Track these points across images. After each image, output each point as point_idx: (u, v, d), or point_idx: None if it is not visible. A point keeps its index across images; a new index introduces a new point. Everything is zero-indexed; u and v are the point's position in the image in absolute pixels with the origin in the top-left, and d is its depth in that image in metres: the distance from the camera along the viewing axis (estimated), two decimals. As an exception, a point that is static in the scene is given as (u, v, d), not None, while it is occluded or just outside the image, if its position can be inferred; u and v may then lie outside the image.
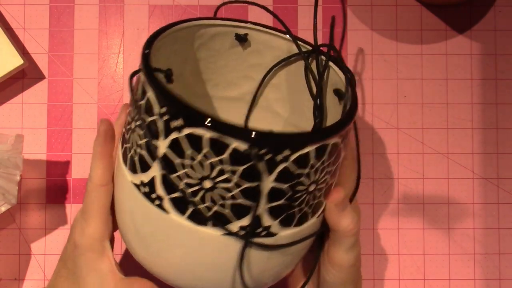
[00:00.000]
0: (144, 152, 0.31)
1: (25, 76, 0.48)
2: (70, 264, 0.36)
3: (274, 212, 0.30)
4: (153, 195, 0.30)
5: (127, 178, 0.32)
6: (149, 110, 0.30)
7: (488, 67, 0.48)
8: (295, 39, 0.38)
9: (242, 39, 0.39)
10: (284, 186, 0.29)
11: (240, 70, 0.41)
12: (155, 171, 0.30)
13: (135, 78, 0.34)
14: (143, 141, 0.30)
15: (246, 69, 0.41)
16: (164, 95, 0.29)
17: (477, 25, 0.48)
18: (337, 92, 0.37)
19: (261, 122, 0.43)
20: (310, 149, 0.29)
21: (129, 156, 0.32)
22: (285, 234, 0.31)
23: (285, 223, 0.30)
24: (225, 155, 0.28)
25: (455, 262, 0.47)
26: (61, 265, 0.37)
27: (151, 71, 0.31)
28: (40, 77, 0.48)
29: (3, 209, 0.41)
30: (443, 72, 0.48)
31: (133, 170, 0.32)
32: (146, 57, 0.32)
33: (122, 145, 0.34)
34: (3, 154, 0.41)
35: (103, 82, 0.48)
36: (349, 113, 0.31)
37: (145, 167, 0.31)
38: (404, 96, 0.48)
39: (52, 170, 0.47)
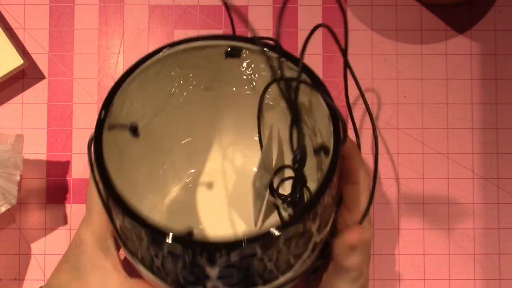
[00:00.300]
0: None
1: (25, 76, 0.48)
2: (73, 259, 0.36)
3: (230, 285, 0.29)
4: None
5: None
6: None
7: (488, 67, 0.48)
8: (267, 59, 0.32)
9: (234, 55, 0.35)
10: (233, 270, 0.28)
11: (247, 73, 0.39)
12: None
13: None
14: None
15: (252, 74, 0.40)
16: (104, 182, 0.29)
17: (477, 25, 0.48)
18: (321, 148, 0.34)
19: (276, 122, 0.41)
20: (251, 246, 0.27)
21: None
22: None
23: (248, 286, 0.29)
24: (164, 249, 0.27)
25: (455, 262, 0.47)
26: (63, 260, 0.37)
27: (100, 151, 0.30)
28: (40, 77, 0.48)
29: (3, 209, 0.41)
30: (443, 72, 0.48)
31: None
32: (99, 125, 0.30)
33: None
34: (3, 154, 0.41)
35: (103, 82, 0.48)
36: (304, 209, 0.28)
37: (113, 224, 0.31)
38: (404, 96, 0.48)
39: (52, 170, 0.47)
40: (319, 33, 0.48)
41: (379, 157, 0.47)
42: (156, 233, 0.27)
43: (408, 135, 0.48)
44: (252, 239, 0.26)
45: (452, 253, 0.47)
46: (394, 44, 0.48)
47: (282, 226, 0.27)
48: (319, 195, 0.28)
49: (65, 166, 0.47)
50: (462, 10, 0.48)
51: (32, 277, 0.46)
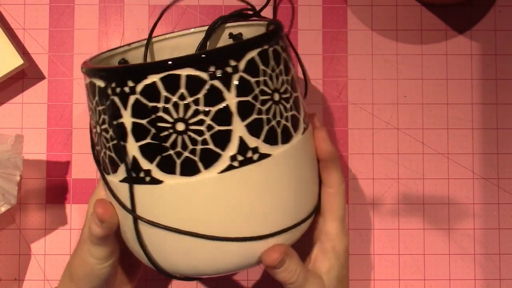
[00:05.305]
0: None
1: (25, 76, 0.48)
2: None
3: (253, 130, 0.30)
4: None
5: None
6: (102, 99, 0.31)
7: (488, 67, 0.48)
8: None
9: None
10: (249, 98, 0.29)
11: None
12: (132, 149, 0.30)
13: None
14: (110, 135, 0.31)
15: None
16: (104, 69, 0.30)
17: (477, 25, 0.48)
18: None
19: None
20: (252, 55, 0.30)
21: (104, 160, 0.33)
22: (278, 152, 0.31)
23: (271, 140, 0.31)
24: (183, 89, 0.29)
25: (455, 262, 0.47)
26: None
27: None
28: (40, 77, 0.48)
29: (3, 209, 0.41)
30: (443, 72, 0.48)
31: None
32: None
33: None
34: (3, 154, 0.41)
35: (103, 82, 0.48)
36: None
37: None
38: (404, 96, 0.48)
39: (52, 170, 0.47)
40: (319, 33, 0.48)
41: (379, 157, 0.47)
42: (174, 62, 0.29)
43: (408, 135, 0.48)
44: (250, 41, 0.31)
45: (452, 253, 0.47)
46: (394, 44, 0.48)
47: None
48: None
49: (65, 166, 0.47)
50: (462, 10, 0.48)
51: (32, 277, 0.46)
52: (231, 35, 0.40)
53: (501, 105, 0.48)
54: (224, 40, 0.40)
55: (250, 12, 0.41)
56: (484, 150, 0.47)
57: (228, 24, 0.40)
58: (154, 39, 0.40)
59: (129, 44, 0.39)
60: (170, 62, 0.29)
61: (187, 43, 0.40)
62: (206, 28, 0.40)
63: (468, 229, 0.47)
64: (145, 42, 0.39)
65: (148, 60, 0.40)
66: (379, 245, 0.47)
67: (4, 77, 0.46)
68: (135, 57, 0.40)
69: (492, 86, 0.48)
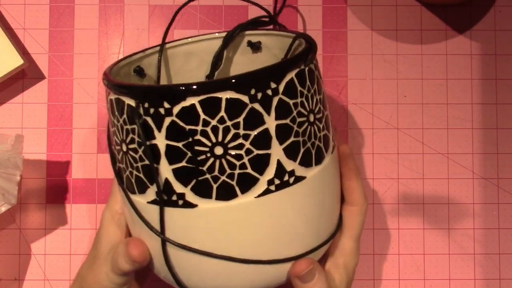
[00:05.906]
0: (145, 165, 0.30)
1: (25, 76, 0.48)
2: (94, 240, 0.36)
3: (290, 153, 0.29)
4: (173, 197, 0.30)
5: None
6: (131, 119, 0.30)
7: (488, 67, 0.48)
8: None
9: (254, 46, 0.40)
10: (287, 121, 0.29)
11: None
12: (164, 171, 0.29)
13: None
14: (139, 155, 0.30)
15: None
16: (138, 88, 0.29)
17: (477, 25, 0.48)
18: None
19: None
20: (291, 76, 0.29)
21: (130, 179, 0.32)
22: (312, 174, 0.30)
23: (306, 163, 0.30)
24: (222, 113, 0.28)
25: (455, 262, 0.47)
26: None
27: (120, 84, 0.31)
28: (40, 77, 0.48)
29: (3, 209, 0.41)
30: (443, 72, 0.48)
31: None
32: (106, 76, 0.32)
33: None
34: (3, 154, 0.41)
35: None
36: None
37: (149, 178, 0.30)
38: (404, 96, 0.48)
39: (52, 170, 0.47)
40: (319, 33, 0.48)
41: (379, 157, 0.47)
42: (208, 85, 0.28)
43: (408, 135, 0.48)
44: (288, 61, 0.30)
45: (452, 253, 0.47)
46: (394, 44, 0.48)
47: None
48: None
49: (65, 166, 0.47)
50: (462, 10, 0.48)
51: (32, 277, 0.46)
52: (249, 43, 0.39)
53: (501, 105, 0.48)
54: (242, 48, 0.40)
55: (267, 19, 0.40)
56: (484, 150, 0.48)
57: (246, 32, 0.39)
58: (167, 45, 0.39)
59: (143, 51, 0.38)
60: (211, 85, 0.28)
61: (201, 49, 0.40)
62: (219, 34, 0.39)
63: (468, 229, 0.47)
64: (158, 48, 0.39)
65: (162, 67, 0.39)
66: (379, 245, 0.47)
67: (4, 77, 0.46)
68: (150, 64, 0.39)
69: (492, 86, 0.48)
